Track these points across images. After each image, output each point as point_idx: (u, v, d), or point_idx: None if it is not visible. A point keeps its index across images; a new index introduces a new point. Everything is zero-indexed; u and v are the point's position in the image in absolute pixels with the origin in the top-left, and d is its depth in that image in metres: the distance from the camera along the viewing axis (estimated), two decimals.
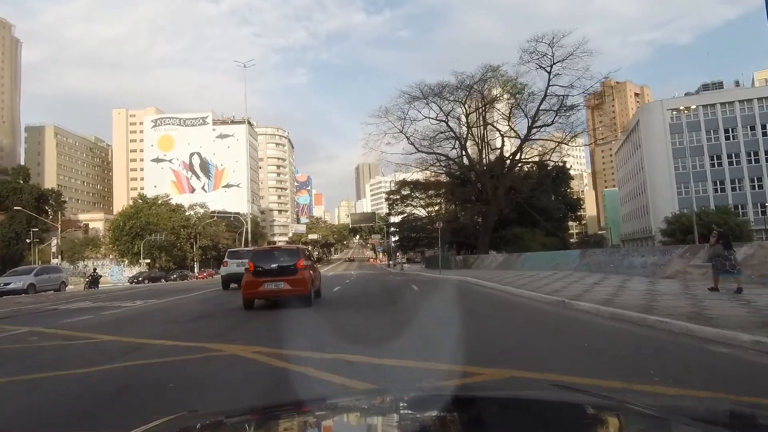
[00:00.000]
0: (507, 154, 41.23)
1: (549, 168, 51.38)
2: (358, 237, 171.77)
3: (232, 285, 18.94)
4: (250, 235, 44.76)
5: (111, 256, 65.11)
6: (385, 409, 1.72)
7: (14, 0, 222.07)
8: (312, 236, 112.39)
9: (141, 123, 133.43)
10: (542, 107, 36.51)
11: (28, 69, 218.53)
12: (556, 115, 36.31)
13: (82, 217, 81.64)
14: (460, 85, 37.72)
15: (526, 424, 1.42)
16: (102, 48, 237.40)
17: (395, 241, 57.38)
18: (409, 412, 1.65)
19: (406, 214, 52.84)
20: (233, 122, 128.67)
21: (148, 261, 60.80)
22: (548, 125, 37.34)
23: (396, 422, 1.55)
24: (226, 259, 20.72)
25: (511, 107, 37.67)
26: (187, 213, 75.14)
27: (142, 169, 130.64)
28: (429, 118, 39.30)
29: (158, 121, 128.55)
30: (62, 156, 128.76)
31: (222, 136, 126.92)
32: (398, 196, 52.02)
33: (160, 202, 75.12)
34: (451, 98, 38.69)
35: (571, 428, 1.37)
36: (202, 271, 65.36)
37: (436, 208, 49.60)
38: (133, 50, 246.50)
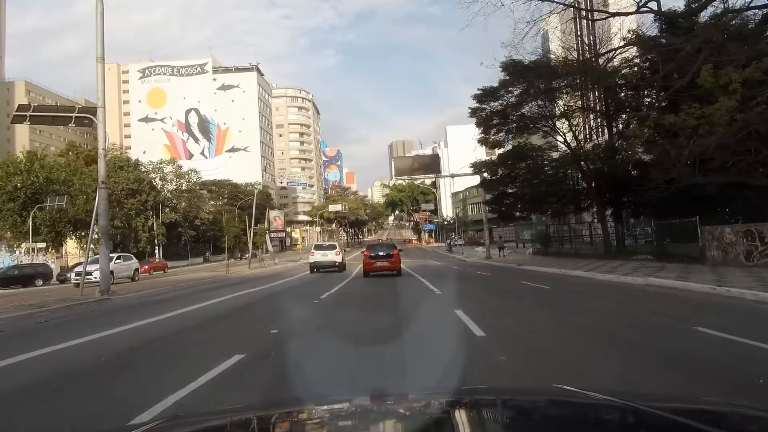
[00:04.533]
0: None
1: None
2: (394, 215, 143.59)
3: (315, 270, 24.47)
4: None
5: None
6: (386, 409, 1.65)
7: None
8: (334, 207, 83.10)
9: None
10: None
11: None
12: None
13: None
14: None
15: (528, 424, 1.40)
16: (134, 36, 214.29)
17: (488, 202, 28.77)
18: (412, 412, 1.59)
19: (521, 143, 24.53)
20: (238, 69, 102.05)
21: (44, 245, 35.49)
22: None
23: (399, 422, 1.50)
24: (313, 250, 26.10)
25: None
26: (144, 172, 50.03)
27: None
28: None
29: (147, 71, 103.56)
30: None
31: (225, 87, 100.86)
32: (498, 104, 23.54)
33: (109, 156, 49.93)
34: None
35: (573, 428, 1.34)
36: (150, 262, 40.04)
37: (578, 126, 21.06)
38: (164, 38, 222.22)
